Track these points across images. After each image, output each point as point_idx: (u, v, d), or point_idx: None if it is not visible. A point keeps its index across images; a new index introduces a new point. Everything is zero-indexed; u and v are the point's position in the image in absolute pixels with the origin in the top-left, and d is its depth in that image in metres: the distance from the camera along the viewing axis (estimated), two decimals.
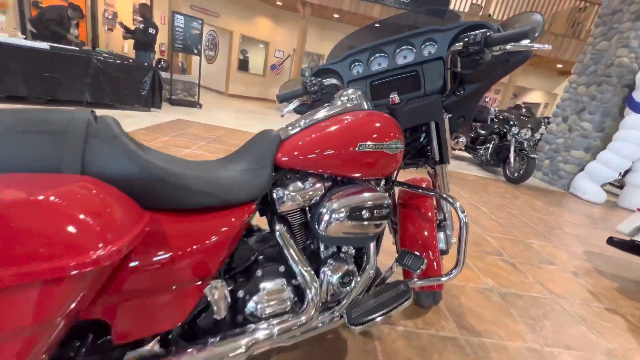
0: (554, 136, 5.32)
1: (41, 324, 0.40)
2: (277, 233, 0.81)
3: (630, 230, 1.98)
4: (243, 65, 9.71)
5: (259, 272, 0.79)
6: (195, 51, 5.64)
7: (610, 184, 5.65)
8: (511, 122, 4.81)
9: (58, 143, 0.49)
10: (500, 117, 5.11)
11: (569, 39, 8.25)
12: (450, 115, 1.06)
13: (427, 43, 1.01)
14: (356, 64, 1.12)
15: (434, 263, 1.17)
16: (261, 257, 0.83)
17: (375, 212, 0.86)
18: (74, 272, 0.39)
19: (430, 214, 1.19)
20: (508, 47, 0.80)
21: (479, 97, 1.04)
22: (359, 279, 0.93)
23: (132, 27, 5.24)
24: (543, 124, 5.92)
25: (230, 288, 0.77)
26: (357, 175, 0.86)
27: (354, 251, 0.97)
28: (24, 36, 4.12)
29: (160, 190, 0.57)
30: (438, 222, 1.26)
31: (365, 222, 0.86)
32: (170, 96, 5.56)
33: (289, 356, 1.00)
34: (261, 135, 0.83)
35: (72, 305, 0.43)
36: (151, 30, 5.04)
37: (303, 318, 0.79)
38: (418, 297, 1.31)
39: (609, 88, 4.54)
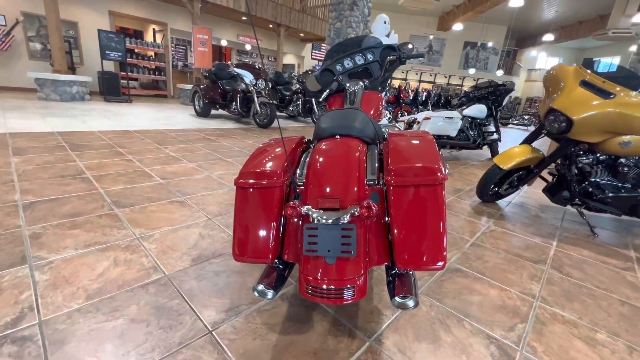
0: None
1: None
2: None
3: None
4: None
5: None
6: None
7: None
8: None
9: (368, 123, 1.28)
10: (300, 80, 6.85)
11: (303, 14, 11.12)
12: (380, 87, 2.25)
13: (369, 53, 2.09)
14: (338, 64, 2.04)
15: None
16: None
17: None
18: None
19: None
20: (411, 58, 2.05)
21: (389, 78, 2.29)
22: None
23: None
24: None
25: None
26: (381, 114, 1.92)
27: None
28: None
29: None
30: None
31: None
32: None
33: None
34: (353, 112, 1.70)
35: None
36: None
37: None
38: None
39: None
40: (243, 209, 0.95)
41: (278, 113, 7.93)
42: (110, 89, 7.70)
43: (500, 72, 15.62)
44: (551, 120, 2.05)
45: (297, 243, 0.94)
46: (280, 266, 0.99)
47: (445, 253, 0.83)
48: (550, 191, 2.36)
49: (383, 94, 2.25)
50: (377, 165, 1.04)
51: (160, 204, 1.87)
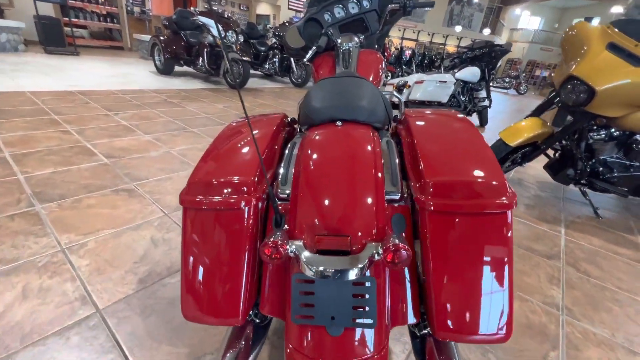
0: None
1: None
2: None
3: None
4: None
5: None
6: None
7: None
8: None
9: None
10: (277, 34, 6.09)
11: None
12: (377, 45, 1.84)
13: (365, 0, 1.65)
14: (326, 13, 1.59)
15: None
16: None
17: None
18: None
19: None
20: (419, 7, 1.63)
21: (388, 32, 1.87)
22: None
23: None
24: None
25: None
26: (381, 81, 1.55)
27: None
28: None
29: None
30: None
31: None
32: None
33: None
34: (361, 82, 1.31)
35: None
36: None
37: None
38: None
39: None
40: (194, 242, 0.60)
41: (252, 71, 7.18)
42: (52, 38, 6.54)
43: (487, 31, 15.06)
44: (568, 90, 1.77)
45: (281, 293, 0.62)
46: (257, 320, 0.68)
47: (509, 318, 0.55)
48: (552, 168, 2.17)
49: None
50: (397, 161, 0.70)
51: (102, 195, 1.47)
